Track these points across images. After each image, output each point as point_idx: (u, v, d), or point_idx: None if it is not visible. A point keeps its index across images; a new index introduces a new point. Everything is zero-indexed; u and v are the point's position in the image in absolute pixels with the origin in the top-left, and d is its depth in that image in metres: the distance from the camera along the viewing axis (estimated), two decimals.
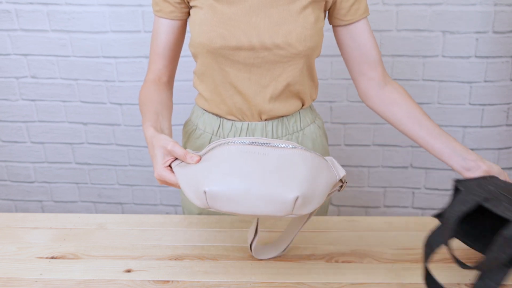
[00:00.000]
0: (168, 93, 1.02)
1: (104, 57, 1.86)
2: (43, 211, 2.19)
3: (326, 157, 0.81)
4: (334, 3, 0.97)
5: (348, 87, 1.86)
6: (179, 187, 0.79)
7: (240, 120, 1.03)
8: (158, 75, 1.02)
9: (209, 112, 1.05)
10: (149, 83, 1.01)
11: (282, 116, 1.04)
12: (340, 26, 0.99)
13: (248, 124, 1.02)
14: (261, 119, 1.02)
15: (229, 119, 1.03)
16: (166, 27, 1.00)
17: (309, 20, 0.93)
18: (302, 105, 1.05)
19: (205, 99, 1.04)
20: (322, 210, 1.16)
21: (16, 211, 2.21)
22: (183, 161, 0.79)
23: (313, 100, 1.07)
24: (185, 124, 1.14)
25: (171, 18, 0.99)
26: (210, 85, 1.01)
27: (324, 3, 0.96)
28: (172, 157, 0.80)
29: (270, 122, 1.03)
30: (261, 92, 0.98)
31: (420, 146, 0.96)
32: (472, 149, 1.91)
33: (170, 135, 0.90)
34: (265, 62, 0.95)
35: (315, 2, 0.94)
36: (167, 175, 0.79)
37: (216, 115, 1.04)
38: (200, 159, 0.77)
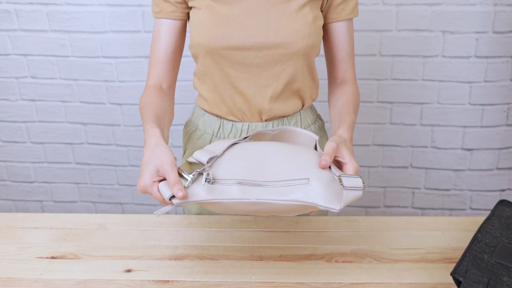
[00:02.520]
0: (169, 101, 0.99)
1: (104, 57, 1.86)
2: (43, 211, 2.19)
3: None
4: (327, 1, 0.97)
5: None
6: (162, 201, 0.75)
7: (241, 121, 1.02)
8: (159, 81, 1.00)
9: (209, 113, 1.05)
10: (150, 90, 0.98)
11: (283, 117, 1.03)
12: (325, 23, 1.01)
13: (249, 125, 1.02)
14: (261, 119, 1.02)
15: (230, 120, 1.03)
16: (167, 27, 0.98)
17: (308, 18, 0.93)
18: (302, 105, 1.05)
19: (205, 99, 1.04)
20: (323, 211, 1.16)
21: (16, 211, 2.21)
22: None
23: (313, 100, 1.07)
24: (186, 125, 1.14)
25: (172, 18, 0.98)
26: (210, 86, 1.01)
27: (321, 2, 0.96)
28: (162, 177, 0.76)
29: (270, 123, 1.03)
30: (261, 92, 0.98)
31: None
32: (472, 149, 1.92)
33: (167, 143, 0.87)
34: (264, 61, 0.95)
35: (313, 1, 0.94)
36: (154, 190, 0.75)
37: (217, 115, 1.04)
38: (184, 196, 0.73)
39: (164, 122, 0.90)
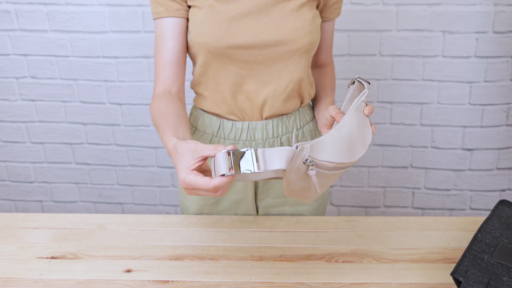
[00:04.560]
0: (181, 105, 0.95)
1: (104, 57, 1.86)
2: (43, 211, 2.19)
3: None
4: (323, 1, 1.00)
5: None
6: (208, 191, 0.70)
7: (241, 120, 1.02)
8: (167, 86, 0.97)
9: (208, 113, 1.05)
10: (159, 97, 0.95)
11: (282, 115, 1.04)
12: None
13: (249, 123, 1.02)
14: (261, 117, 1.02)
15: (230, 119, 1.03)
16: (173, 26, 0.96)
17: (308, 16, 0.95)
18: (301, 103, 1.05)
19: (205, 99, 1.04)
20: (321, 210, 1.16)
21: (16, 211, 2.21)
22: (211, 156, 0.72)
23: (311, 98, 1.08)
24: None
25: (177, 16, 0.95)
26: (211, 85, 1.01)
27: (317, 1, 0.98)
28: (200, 159, 0.72)
29: (270, 121, 1.03)
30: (263, 89, 0.98)
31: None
32: (472, 149, 1.92)
33: None
34: (267, 59, 0.95)
35: (311, 0, 0.96)
36: (192, 178, 0.70)
37: (216, 115, 1.04)
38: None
39: (181, 124, 0.86)
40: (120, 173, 2.08)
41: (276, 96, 0.99)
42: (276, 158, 0.71)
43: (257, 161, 0.71)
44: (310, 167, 0.75)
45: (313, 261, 0.94)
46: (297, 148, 0.73)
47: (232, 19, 0.92)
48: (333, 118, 0.89)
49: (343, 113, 0.87)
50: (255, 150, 0.71)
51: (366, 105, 0.86)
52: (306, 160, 0.75)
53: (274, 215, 1.12)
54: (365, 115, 0.85)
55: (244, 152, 0.71)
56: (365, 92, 0.86)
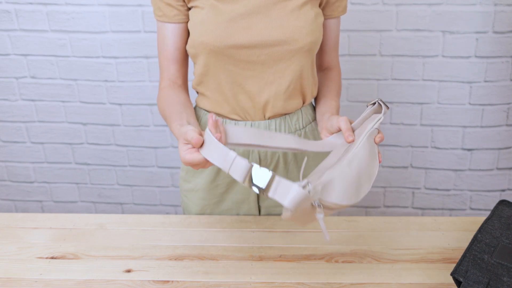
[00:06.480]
0: (185, 95, 1.02)
1: (104, 57, 1.86)
2: (43, 211, 2.19)
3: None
4: None
5: (348, 87, 1.86)
6: (205, 163, 0.76)
7: (243, 119, 1.02)
8: (172, 80, 1.02)
9: (211, 113, 1.05)
10: (164, 90, 1.01)
11: (285, 114, 1.04)
12: None
13: (252, 123, 1.02)
14: (264, 117, 1.02)
15: (232, 119, 1.03)
16: (172, 31, 0.99)
17: (310, 15, 0.95)
18: (303, 103, 1.05)
19: (207, 99, 1.04)
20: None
21: (16, 211, 2.21)
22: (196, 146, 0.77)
23: (313, 97, 1.08)
24: None
25: (175, 21, 0.98)
26: (213, 85, 1.01)
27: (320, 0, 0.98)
28: (189, 146, 0.78)
29: (273, 121, 1.03)
30: (265, 89, 0.98)
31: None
32: (472, 149, 1.92)
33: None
34: (269, 59, 0.95)
35: None
36: (187, 155, 0.77)
37: (219, 115, 1.04)
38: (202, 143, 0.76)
39: (186, 112, 0.92)
40: (120, 173, 2.08)
41: (278, 95, 0.99)
42: (287, 197, 0.70)
43: (268, 186, 0.70)
44: (318, 210, 0.73)
45: (313, 261, 0.94)
46: (309, 192, 0.70)
47: (233, 18, 0.92)
48: (340, 129, 0.86)
49: (353, 130, 0.85)
50: (273, 176, 0.70)
51: (378, 132, 0.84)
52: (314, 202, 0.73)
53: (276, 215, 1.12)
54: (375, 142, 0.83)
55: (263, 171, 0.71)
56: (380, 118, 0.84)
